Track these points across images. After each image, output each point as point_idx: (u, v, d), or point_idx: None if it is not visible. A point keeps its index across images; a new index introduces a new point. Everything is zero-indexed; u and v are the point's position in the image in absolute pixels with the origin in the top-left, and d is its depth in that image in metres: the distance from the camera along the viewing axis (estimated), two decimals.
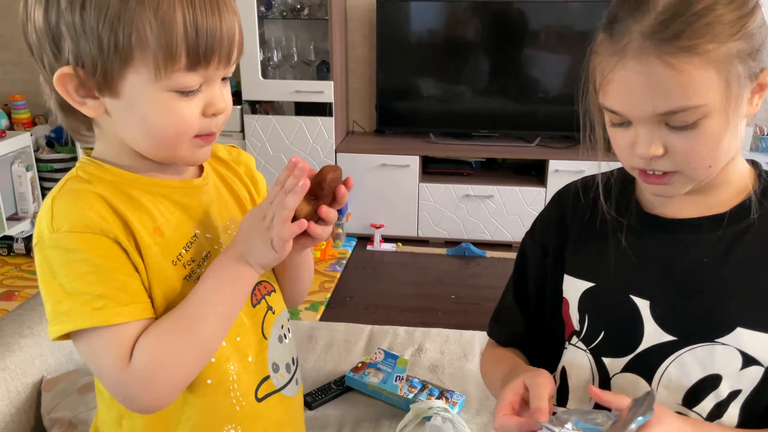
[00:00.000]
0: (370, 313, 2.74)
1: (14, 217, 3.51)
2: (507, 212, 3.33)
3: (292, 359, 0.90)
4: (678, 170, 0.71)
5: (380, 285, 3.05)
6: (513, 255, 3.33)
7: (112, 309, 0.67)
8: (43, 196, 3.66)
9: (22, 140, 3.46)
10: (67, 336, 0.69)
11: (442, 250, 3.36)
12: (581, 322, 0.82)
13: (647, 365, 0.76)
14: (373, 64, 3.53)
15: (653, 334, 0.76)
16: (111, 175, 0.73)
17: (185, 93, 0.68)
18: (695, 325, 0.74)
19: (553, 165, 3.22)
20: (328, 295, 2.88)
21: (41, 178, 3.65)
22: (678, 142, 0.69)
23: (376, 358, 1.57)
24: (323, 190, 0.71)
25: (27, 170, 3.50)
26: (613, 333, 0.79)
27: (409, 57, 3.46)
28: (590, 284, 0.81)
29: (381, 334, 1.77)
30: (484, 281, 3.05)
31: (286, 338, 0.89)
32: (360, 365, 1.55)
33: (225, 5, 0.68)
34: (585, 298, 0.82)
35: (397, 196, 3.38)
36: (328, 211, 0.72)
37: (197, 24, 0.65)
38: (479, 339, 1.74)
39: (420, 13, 3.43)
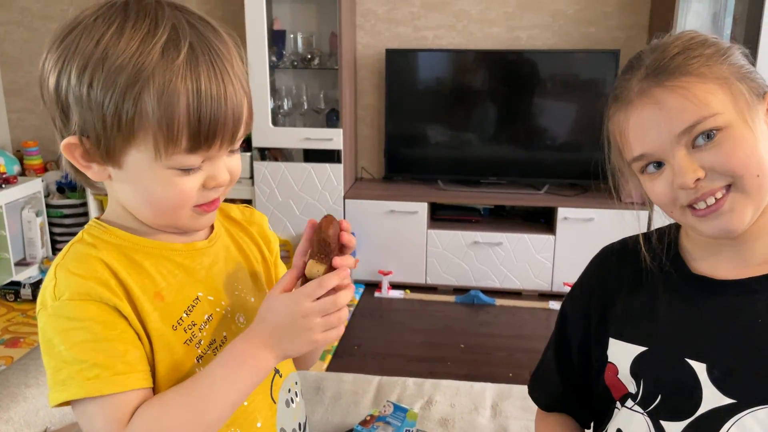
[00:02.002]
0: (378, 362, 2.70)
1: (22, 263, 3.51)
2: (516, 259, 3.31)
3: (299, 424, 0.88)
4: (728, 183, 0.71)
5: (388, 333, 3.01)
6: (522, 303, 3.32)
7: (107, 379, 0.66)
8: (52, 242, 3.67)
9: (33, 186, 3.49)
10: (67, 403, 0.68)
11: (451, 298, 3.33)
12: (636, 386, 0.80)
13: (707, 428, 0.74)
14: (381, 112, 3.58)
15: (712, 398, 0.74)
16: (116, 238, 0.74)
17: (186, 171, 0.69)
18: (754, 388, 0.73)
19: (562, 212, 3.22)
20: (336, 343, 2.84)
21: (51, 224, 3.67)
22: (712, 157, 0.70)
23: (385, 411, 1.53)
24: (329, 246, 0.71)
25: (37, 216, 3.52)
26: (670, 397, 0.78)
27: (417, 105, 3.51)
28: (642, 348, 0.80)
29: (390, 385, 1.74)
30: (494, 330, 3.01)
31: (293, 402, 0.87)
32: (368, 418, 1.52)
33: (233, 91, 0.68)
34: (638, 362, 0.80)
35: (405, 242, 3.37)
36: (342, 260, 0.71)
37: (200, 111, 0.66)
38: (490, 392, 1.70)
39: (428, 62, 3.49)
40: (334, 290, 0.70)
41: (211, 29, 0.69)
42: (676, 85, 0.70)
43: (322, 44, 3.47)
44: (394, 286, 3.42)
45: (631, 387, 0.81)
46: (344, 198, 3.41)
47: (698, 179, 0.70)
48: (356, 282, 3.46)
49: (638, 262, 0.83)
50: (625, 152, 0.76)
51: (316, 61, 3.41)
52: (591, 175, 3.49)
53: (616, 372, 0.82)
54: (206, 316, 0.77)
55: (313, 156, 3.42)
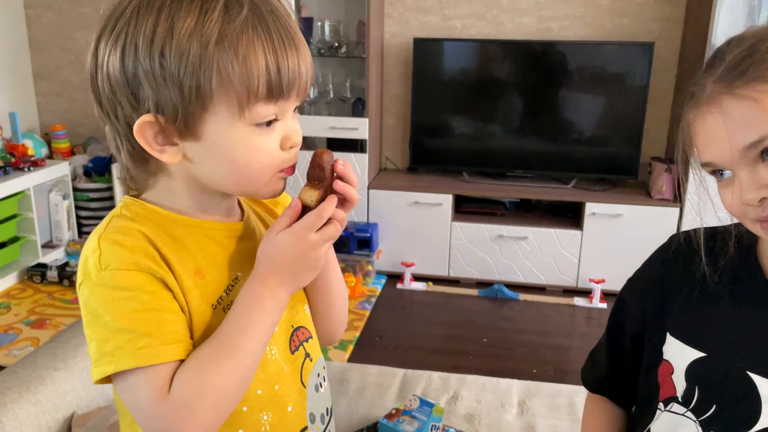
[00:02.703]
0: (400, 354, 2.69)
1: (49, 245, 3.55)
2: (541, 254, 3.26)
3: (327, 409, 0.87)
4: None
5: (410, 325, 2.99)
6: (547, 299, 3.28)
7: (156, 348, 0.65)
8: (78, 225, 3.71)
9: (61, 169, 3.52)
10: (108, 379, 0.67)
11: (474, 291, 3.30)
12: (690, 391, 0.78)
13: None
14: (407, 102, 3.54)
15: None
16: (155, 215, 0.72)
17: (262, 126, 0.68)
18: None
19: (590, 207, 3.16)
20: (357, 333, 2.83)
21: (77, 207, 3.70)
22: None
23: (410, 405, 1.51)
24: (324, 171, 0.72)
25: (64, 199, 3.55)
26: (726, 408, 0.74)
27: (444, 95, 3.46)
28: (700, 354, 0.77)
29: (414, 378, 1.72)
30: (517, 325, 2.98)
31: (321, 387, 0.86)
32: (394, 412, 1.50)
33: (299, 41, 0.69)
34: (694, 367, 0.77)
35: (428, 234, 3.35)
36: (343, 186, 0.73)
37: (278, 58, 0.66)
38: (517, 388, 1.68)
39: (456, 52, 3.44)
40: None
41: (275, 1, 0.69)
42: (747, 94, 0.65)
43: (350, 32, 3.44)
44: (417, 278, 3.40)
45: (680, 390, 0.78)
46: (368, 188, 3.38)
47: (764, 198, 0.66)
48: (378, 273, 3.44)
49: (708, 258, 0.79)
50: (698, 156, 0.73)
51: (344, 50, 3.38)
52: (620, 170, 3.44)
53: (671, 371, 0.80)
54: None
55: (336, 145, 3.40)
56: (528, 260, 3.28)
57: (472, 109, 3.48)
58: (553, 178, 3.43)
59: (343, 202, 0.74)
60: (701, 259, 0.79)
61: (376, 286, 3.33)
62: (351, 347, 2.71)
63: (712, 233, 0.81)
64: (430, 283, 3.37)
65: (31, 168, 3.32)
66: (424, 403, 1.51)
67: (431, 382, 1.70)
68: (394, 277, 3.42)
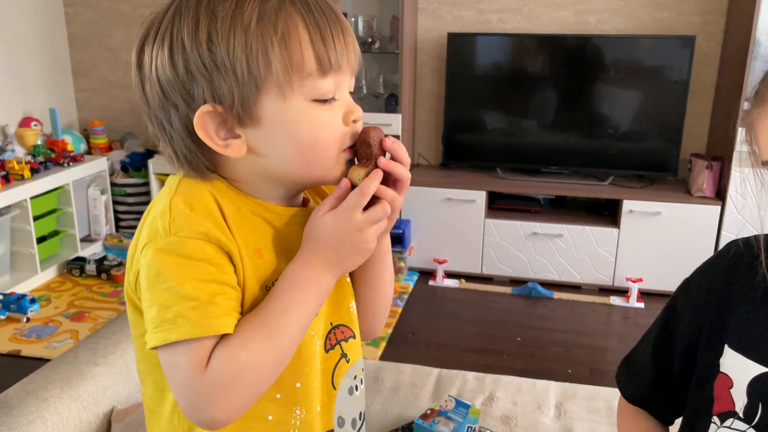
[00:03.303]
0: (433, 352, 2.67)
1: (87, 239, 3.63)
2: (577, 252, 3.21)
3: (360, 413, 0.85)
4: None
5: (443, 322, 2.98)
6: (582, 298, 3.23)
7: (222, 318, 0.64)
8: (116, 219, 3.77)
9: (99, 164, 3.59)
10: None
11: (507, 289, 3.27)
12: (752, 407, 0.74)
13: None
14: (441, 98, 3.52)
15: None
16: (222, 184, 0.71)
17: (323, 101, 0.68)
18: None
19: (628, 205, 3.10)
20: (390, 330, 2.83)
21: (114, 202, 3.77)
22: None
23: (446, 406, 1.50)
24: (370, 147, 0.70)
25: (102, 194, 3.62)
26: None
27: (477, 91, 3.43)
28: (765, 369, 0.73)
29: (449, 378, 1.70)
30: (552, 324, 2.94)
31: (357, 390, 0.83)
32: (429, 412, 1.49)
33: (346, 23, 0.69)
34: (759, 383, 0.73)
35: (461, 231, 3.32)
36: (387, 162, 0.70)
37: (322, 33, 0.66)
38: (554, 390, 1.65)
39: (490, 46, 3.40)
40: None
41: None
42: None
43: (383, 28, 3.42)
44: (449, 275, 3.37)
45: (740, 405, 0.75)
46: None
47: None
48: (411, 269, 3.43)
49: None
50: (759, 151, 0.69)
51: (377, 45, 3.37)
52: (659, 167, 3.36)
53: (730, 385, 0.76)
54: None
55: None
56: (563, 258, 3.24)
57: (506, 105, 3.44)
58: (589, 174, 3.37)
59: (395, 182, 0.72)
60: (763, 267, 0.76)
61: (408, 283, 3.31)
62: (383, 344, 2.70)
63: None
64: (463, 281, 3.35)
65: (71, 163, 3.39)
66: (459, 404, 1.50)
67: (466, 383, 1.68)
68: (427, 274, 3.41)
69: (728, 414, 0.76)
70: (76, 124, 4.07)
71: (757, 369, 0.74)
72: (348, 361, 0.81)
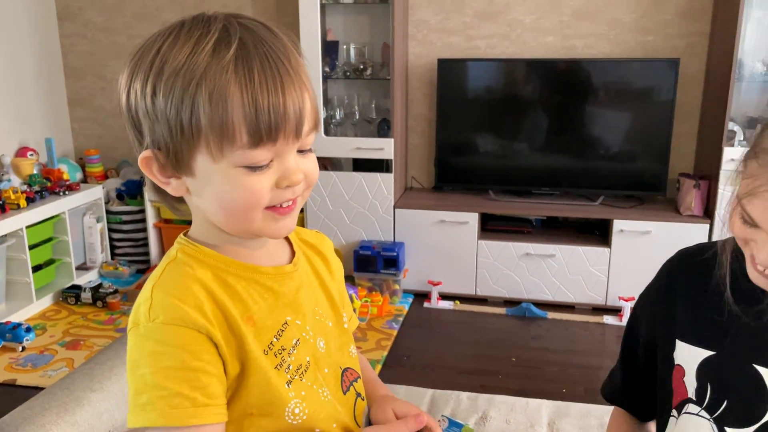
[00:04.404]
0: (428, 374, 2.68)
1: (83, 267, 3.64)
2: (569, 272, 3.24)
3: None
4: None
5: (438, 344, 2.99)
6: (576, 317, 3.25)
7: (188, 410, 0.66)
8: (111, 246, 3.79)
9: (95, 193, 3.62)
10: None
11: (502, 310, 3.29)
12: (701, 389, 0.82)
13: None
14: (432, 122, 3.57)
15: None
16: (210, 258, 0.74)
17: (254, 168, 0.67)
18: None
19: (618, 225, 3.14)
20: (385, 353, 2.84)
21: (110, 230, 3.79)
22: None
23: (440, 426, 1.51)
24: None
25: (97, 222, 3.64)
26: (736, 403, 0.78)
27: (468, 115, 3.48)
28: (710, 353, 0.81)
29: (443, 399, 1.72)
30: (546, 344, 2.95)
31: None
32: None
33: (291, 81, 0.67)
34: (705, 367, 0.81)
35: (455, 253, 3.35)
36: None
37: (257, 103, 0.64)
38: (546, 409, 1.67)
39: (480, 71, 3.47)
40: None
41: (264, 28, 0.69)
42: None
43: (375, 54, 3.49)
44: (444, 296, 3.39)
45: (692, 390, 0.82)
46: (394, 207, 3.41)
47: None
48: (405, 292, 3.45)
49: (711, 267, 0.83)
50: (743, 198, 0.72)
51: (369, 72, 3.43)
52: (648, 186, 3.42)
53: (683, 374, 0.83)
54: (294, 341, 0.76)
55: (362, 165, 3.44)
56: (556, 278, 3.26)
57: (497, 128, 3.50)
58: (580, 195, 3.41)
59: None
60: (707, 266, 0.83)
61: (404, 305, 3.33)
62: (379, 367, 2.71)
63: (725, 243, 0.84)
64: (458, 302, 3.37)
65: (66, 192, 3.42)
66: (453, 423, 1.51)
67: (460, 402, 1.70)
68: (421, 296, 3.42)
69: (684, 402, 0.83)
70: (71, 153, 4.11)
71: (704, 353, 0.81)
72: (363, 399, 0.85)
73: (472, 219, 3.30)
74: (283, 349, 0.75)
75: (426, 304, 3.36)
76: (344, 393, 0.81)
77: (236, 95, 0.64)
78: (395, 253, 3.31)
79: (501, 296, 3.36)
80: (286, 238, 0.83)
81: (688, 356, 0.83)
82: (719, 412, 0.79)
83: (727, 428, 0.78)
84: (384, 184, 3.39)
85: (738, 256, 0.82)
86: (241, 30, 0.66)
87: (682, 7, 3.25)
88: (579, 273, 3.23)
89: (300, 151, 0.71)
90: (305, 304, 0.79)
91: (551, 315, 3.21)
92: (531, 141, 3.47)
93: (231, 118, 0.64)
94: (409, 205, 3.42)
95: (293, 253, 0.82)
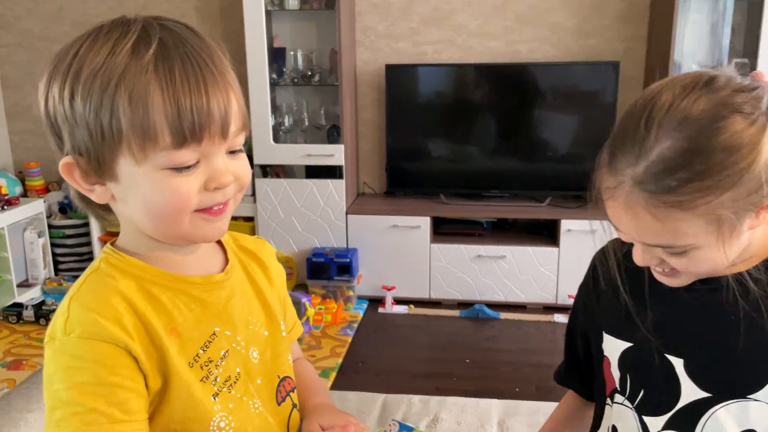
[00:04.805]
0: (383, 379, 2.67)
1: (25, 284, 3.51)
2: (520, 273, 3.29)
3: None
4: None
5: (393, 349, 2.99)
6: (528, 317, 3.31)
7: (103, 426, 0.64)
8: (55, 262, 3.67)
9: (35, 207, 3.49)
10: None
11: (455, 312, 3.31)
12: (623, 380, 0.84)
13: (686, 422, 0.77)
14: (382, 127, 3.58)
15: (689, 392, 0.77)
16: (133, 268, 0.71)
17: (180, 170, 0.66)
18: (727, 382, 0.76)
19: (565, 225, 3.20)
20: (340, 360, 2.82)
21: (53, 245, 3.66)
22: (674, 262, 0.72)
23: (390, 430, 1.51)
24: None
25: (39, 237, 3.52)
26: (652, 391, 0.81)
27: (418, 119, 3.51)
28: (628, 344, 0.84)
29: (395, 403, 1.72)
30: (500, 344, 2.99)
31: None
32: None
33: (214, 81, 0.65)
34: (624, 357, 0.84)
35: (408, 257, 3.36)
36: None
37: (179, 102, 0.63)
38: (497, 408, 1.68)
39: (428, 76, 3.50)
40: None
41: (186, 29, 0.67)
42: (659, 215, 0.66)
43: (323, 61, 3.48)
44: (398, 301, 3.40)
45: (617, 381, 0.85)
46: (346, 213, 3.40)
47: (662, 262, 0.74)
48: (360, 298, 3.44)
49: (628, 259, 0.83)
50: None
51: (317, 78, 3.42)
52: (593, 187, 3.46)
53: (609, 365, 0.87)
54: (222, 352, 0.74)
55: (314, 172, 3.42)
56: (507, 279, 3.31)
57: (447, 132, 3.53)
58: (529, 196, 3.47)
59: None
60: (625, 259, 0.85)
61: (358, 311, 3.32)
62: (333, 374, 2.69)
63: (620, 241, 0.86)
64: (412, 306, 3.38)
65: (5, 207, 3.29)
66: (403, 427, 1.51)
67: (412, 406, 1.70)
68: (376, 302, 3.42)
69: (614, 391, 0.86)
70: (11, 166, 3.96)
71: (623, 345, 0.84)
72: (299, 410, 0.84)
73: (424, 223, 3.32)
74: (210, 361, 0.73)
75: (380, 310, 3.35)
76: (279, 404, 0.80)
77: (157, 95, 0.63)
78: (348, 260, 3.30)
79: (454, 299, 3.38)
80: (221, 245, 0.82)
81: (612, 348, 0.86)
82: (638, 401, 0.82)
83: (644, 417, 0.81)
84: (336, 190, 3.38)
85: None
86: (162, 30, 0.65)
87: (621, 12, 3.35)
88: (529, 273, 3.28)
89: (231, 152, 0.70)
90: (236, 314, 0.77)
91: (504, 315, 3.25)
92: (480, 145, 3.52)
93: (152, 118, 0.63)
94: (361, 211, 3.42)
95: (228, 261, 0.80)
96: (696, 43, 3.19)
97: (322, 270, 3.32)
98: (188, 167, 0.66)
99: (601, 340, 0.89)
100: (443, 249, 3.33)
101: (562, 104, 3.38)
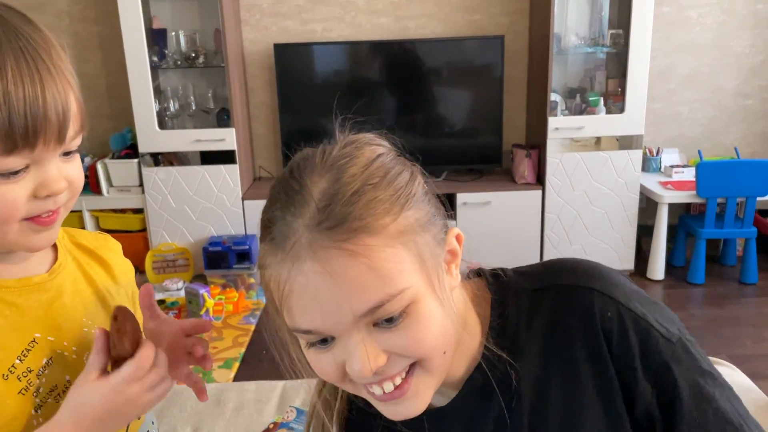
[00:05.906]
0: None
1: None
2: None
3: None
4: (413, 362, 0.59)
5: None
6: None
7: None
8: None
9: None
10: None
11: None
12: None
13: None
14: (275, 109, 3.49)
15: None
16: None
17: (7, 176, 0.60)
18: None
19: (461, 198, 3.26)
20: (243, 350, 2.75)
21: None
22: (397, 340, 0.57)
23: (288, 417, 1.48)
24: (119, 332, 0.66)
25: None
26: None
27: (311, 99, 3.44)
28: None
29: (294, 389, 1.69)
30: None
31: None
32: (271, 426, 1.47)
33: (52, 79, 0.60)
34: None
35: None
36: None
37: (10, 103, 0.57)
38: None
39: (319, 55, 3.44)
40: None
41: (22, 17, 0.61)
42: (357, 250, 0.54)
43: (207, 42, 3.34)
44: None
45: None
46: (243, 199, 3.31)
47: (379, 367, 0.57)
48: None
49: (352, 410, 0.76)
50: (285, 315, 0.59)
51: (201, 60, 3.28)
52: (486, 159, 3.57)
53: None
54: (45, 360, 0.68)
55: (210, 158, 3.30)
56: None
57: (341, 111, 3.47)
58: (425, 171, 3.50)
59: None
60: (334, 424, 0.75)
61: (261, 299, 3.25)
62: (237, 365, 2.63)
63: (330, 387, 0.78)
64: None
65: None
66: (300, 413, 1.49)
67: (311, 390, 1.68)
68: None
69: None
70: None
71: None
72: (138, 418, 0.79)
73: None
74: (30, 371, 0.67)
75: None
76: None
77: None
78: (247, 247, 3.21)
79: None
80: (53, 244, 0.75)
81: None
82: None
83: None
84: (229, 175, 3.27)
85: None
86: None
87: None
88: None
89: (65, 154, 0.64)
90: (64, 317, 0.71)
91: None
92: (375, 122, 3.50)
93: None
94: (258, 196, 3.33)
95: (55, 259, 0.74)
96: (575, 15, 3.31)
97: (221, 259, 3.23)
98: (16, 173, 0.60)
99: None
100: None
101: (453, 79, 3.43)
